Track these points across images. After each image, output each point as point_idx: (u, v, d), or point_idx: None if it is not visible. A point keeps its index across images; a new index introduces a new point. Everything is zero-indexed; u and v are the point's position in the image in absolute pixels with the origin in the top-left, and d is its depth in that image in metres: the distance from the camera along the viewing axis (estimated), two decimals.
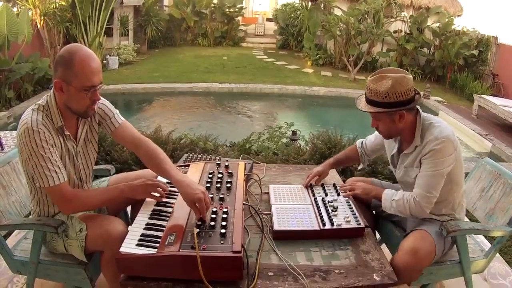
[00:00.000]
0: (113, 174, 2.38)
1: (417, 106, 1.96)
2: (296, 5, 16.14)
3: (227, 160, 2.31)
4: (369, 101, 1.90)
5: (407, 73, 1.89)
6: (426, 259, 1.84)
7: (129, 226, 1.70)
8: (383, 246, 2.33)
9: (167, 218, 1.72)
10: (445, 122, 1.95)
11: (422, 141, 1.90)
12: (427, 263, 1.86)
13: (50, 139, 1.70)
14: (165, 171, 1.85)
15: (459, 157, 1.92)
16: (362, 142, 2.38)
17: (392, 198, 1.99)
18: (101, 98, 1.91)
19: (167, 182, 2.02)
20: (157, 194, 1.82)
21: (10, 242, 2.25)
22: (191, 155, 2.50)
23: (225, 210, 1.72)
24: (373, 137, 2.32)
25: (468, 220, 2.59)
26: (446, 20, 12.37)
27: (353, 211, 1.94)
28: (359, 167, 2.40)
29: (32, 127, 1.65)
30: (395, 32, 12.71)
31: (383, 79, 1.85)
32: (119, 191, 1.83)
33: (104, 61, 11.37)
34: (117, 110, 2.01)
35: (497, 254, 2.70)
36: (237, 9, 16.43)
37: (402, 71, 1.89)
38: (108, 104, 1.98)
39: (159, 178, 2.08)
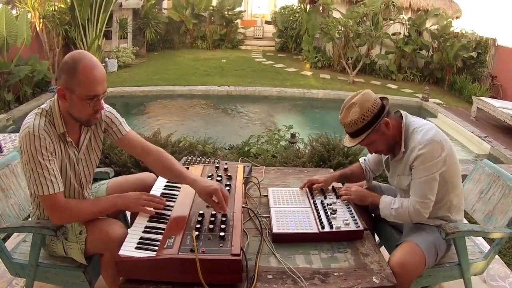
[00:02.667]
0: (112, 177, 2.38)
1: (401, 111, 2.01)
2: (295, 7, 16.16)
3: (226, 163, 2.31)
4: (353, 134, 1.96)
5: (364, 89, 1.97)
6: (415, 271, 1.82)
7: (128, 229, 1.70)
8: (382, 249, 2.34)
9: (166, 221, 1.72)
10: (431, 124, 1.95)
11: (407, 147, 1.92)
12: (415, 276, 1.84)
13: (51, 146, 1.69)
14: (179, 172, 1.88)
15: (452, 156, 1.92)
16: (365, 159, 2.39)
17: (391, 207, 1.99)
18: (108, 106, 1.92)
19: (167, 186, 2.03)
20: (151, 208, 1.79)
21: (9, 244, 2.25)
22: (190, 158, 2.50)
23: (224, 213, 1.72)
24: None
25: (467, 222, 2.59)
26: (445, 22, 12.40)
27: (352, 213, 1.94)
28: (364, 186, 2.37)
29: (33, 132, 1.64)
30: (393, 34, 12.72)
31: (351, 108, 1.92)
32: (112, 203, 1.82)
33: (103, 64, 11.34)
34: (123, 119, 2.01)
35: (496, 256, 2.70)
36: (236, 12, 16.47)
37: (361, 91, 1.97)
38: (115, 112, 1.98)
39: (157, 182, 2.08)
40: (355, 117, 1.90)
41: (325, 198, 2.10)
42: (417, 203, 1.88)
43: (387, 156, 2.13)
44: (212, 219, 1.67)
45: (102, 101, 1.76)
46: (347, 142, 2.02)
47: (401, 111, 2.01)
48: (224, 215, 1.70)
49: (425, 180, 1.85)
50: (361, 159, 2.41)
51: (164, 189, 2.04)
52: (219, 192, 1.72)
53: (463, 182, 2.14)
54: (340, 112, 1.98)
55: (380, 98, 1.98)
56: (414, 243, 1.87)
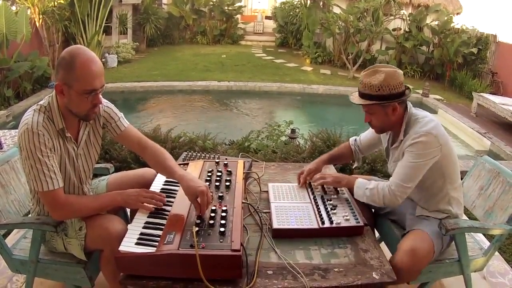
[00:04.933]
0: (112, 172, 2.38)
1: (408, 102, 2.00)
2: (295, 3, 16.11)
3: (226, 159, 2.31)
4: (363, 95, 1.96)
5: (398, 69, 1.96)
6: (425, 259, 1.84)
7: (128, 225, 1.70)
8: (382, 245, 2.34)
9: (166, 216, 1.72)
10: (434, 118, 1.96)
11: (406, 135, 1.93)
12: (425, 263, 1.86)
13: (50, 142, 1.69)
14: (169, 167, 1.86)
15: (449, 151, 1.93)
16: (355, 139, 2.40)
17: (365, 187, 2.00)
18: (106, 101, 1.91)
19: (167, 182, 2.03)
20: (151, 205, 1.79)
21: (9, 241, 2.25)
22: (190, 153, 2.50)
23: (224, 208, 1.72)
24: (368, 133, 2.33)
25: (467, 218, 2.59)
26: (445, 18, 12.37)
27: (352, 209, 1.94)
28: (354, 166, 2.39)
29: (32, 129, 1.64)
30: (394, 30, 12.69)
31: (376, 73, 1.91)
32: (112, 200, 1.83)
33: (103, 60, 11.35)
34: (122, 114, 2.01)
35: (496, 253, 2.70)
36: (236, 7, 16.42)
37: (393, 67, 1.96)
38: (113, 107, 1.98)
39: (158, 177, 2.08)
40: (374, 82, 1.90)
41: (325, 193, 2.10)
42: (395, 185, 1.90)
43: (386, 144, 2.14)
44: (212, 214, 1.67)
45: (100, 95, 1.76)
46: (356, 98, 2.00)
47: (408, 103, 2.01)
48: (224, 211, 1.70)
49: (412, 165, 1.87)
50: (350, 140, 2.42)
51: (164, 184, 2.03)
52: (204, 196, 1.67)
53: (463, 178, 2.14)
54: (366, 69, 1.98)
55: (406, 86, 1.96)
56: (424, 231, 1.88)
